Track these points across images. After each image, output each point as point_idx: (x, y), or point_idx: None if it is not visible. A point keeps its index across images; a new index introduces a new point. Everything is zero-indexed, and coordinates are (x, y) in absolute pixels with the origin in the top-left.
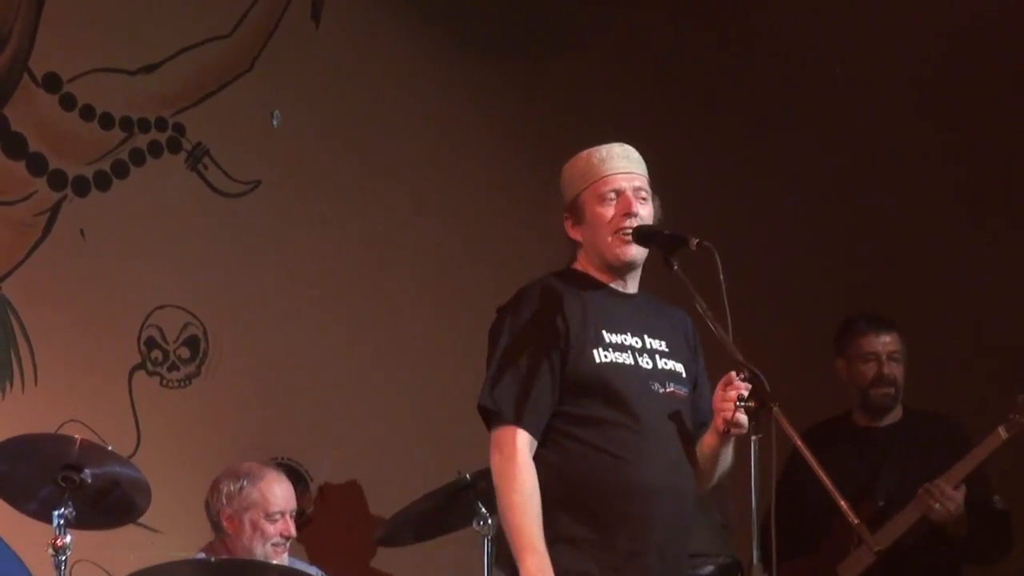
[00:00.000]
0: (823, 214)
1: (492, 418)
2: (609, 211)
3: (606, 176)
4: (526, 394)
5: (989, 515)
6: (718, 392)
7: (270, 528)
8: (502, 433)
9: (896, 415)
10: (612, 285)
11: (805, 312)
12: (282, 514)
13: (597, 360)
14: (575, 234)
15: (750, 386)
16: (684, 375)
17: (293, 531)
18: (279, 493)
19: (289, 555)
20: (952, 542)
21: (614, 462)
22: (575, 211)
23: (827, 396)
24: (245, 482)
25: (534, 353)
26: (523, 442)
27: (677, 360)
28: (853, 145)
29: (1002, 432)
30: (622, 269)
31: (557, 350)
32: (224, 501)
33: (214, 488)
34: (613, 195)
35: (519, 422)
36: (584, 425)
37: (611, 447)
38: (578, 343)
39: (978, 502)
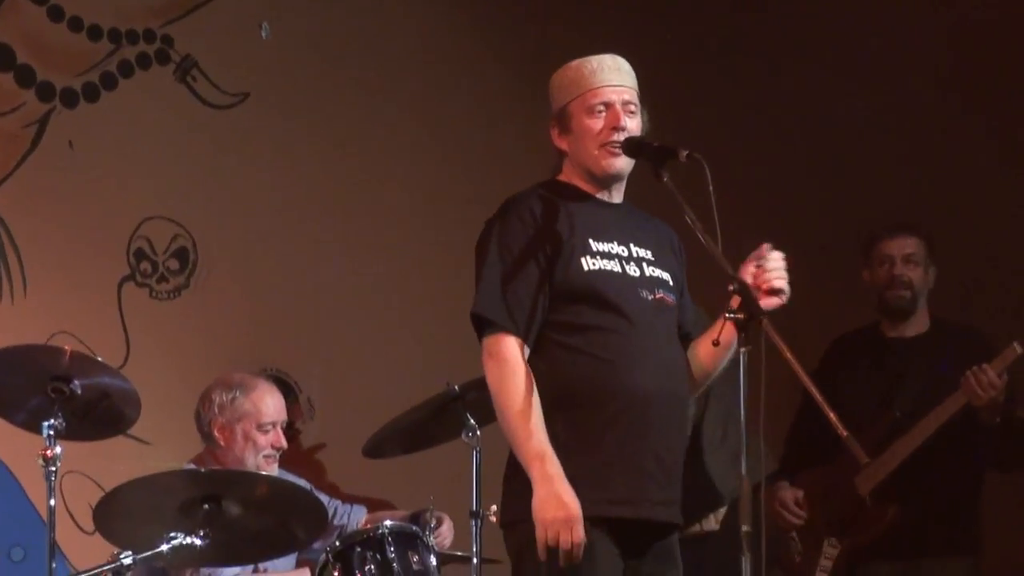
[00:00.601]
0: (819, 127)
1: (485, 326)
2: (597, 123)
3: (595, 88)
4: (517, 301)
5: (1012, 421)
6: (753, 269)
7: (262, 439)
8: (495, 340)
9: (922, 325)
10: (597, 196)
11: (798, 225)
12: (274, 425)
13: (585, 268)
14: (561, 143)
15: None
16: (672, 283)
17: (284, 443)
18: (271, 404)
19: (279, 467)
20: (981, 433)
21: (606, 366)
22: (562, 120)
23: (817, 311)
24: (238, 392)
25: (523, 262)
26: (517, 348)
27: (664, 269)
28: (856, 60)
29: (1017, 347)
30: (607, 180)
31: (545, 258)
32: (216, 411)
33: (205, 398)
34: (602, 107)
35: (511, 329)
36: (574, 332)
37: (602, 352)
38: (566, 251)
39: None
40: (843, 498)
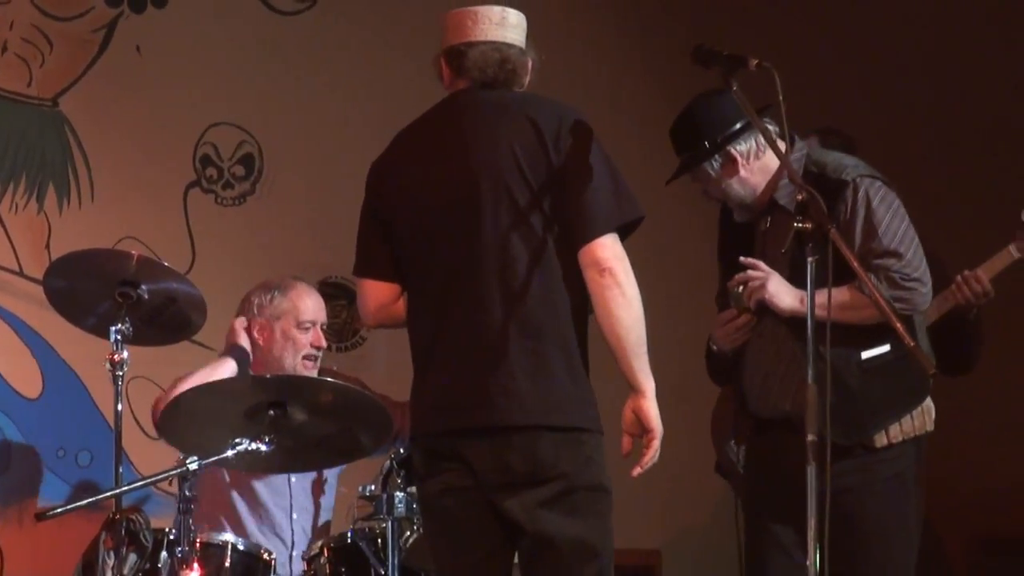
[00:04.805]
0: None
1: (630, 228)
2: None
3: None
4: None
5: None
6: None
7: (301, 338)
8: (618, 243)
9: None
10: None
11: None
12: (313, 324)
13: None
14: None
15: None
16: None
17: (323, 342)
18: (310, 303)
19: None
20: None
21: None
22: None
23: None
24: (276, 293)
25: None
26: None
27: None
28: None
29: (1012, 251)
30: None
31: None
32: (255, 312)
33: (245, 301)
34: None
35: None
36: None
37: None
38: None
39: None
40: None
